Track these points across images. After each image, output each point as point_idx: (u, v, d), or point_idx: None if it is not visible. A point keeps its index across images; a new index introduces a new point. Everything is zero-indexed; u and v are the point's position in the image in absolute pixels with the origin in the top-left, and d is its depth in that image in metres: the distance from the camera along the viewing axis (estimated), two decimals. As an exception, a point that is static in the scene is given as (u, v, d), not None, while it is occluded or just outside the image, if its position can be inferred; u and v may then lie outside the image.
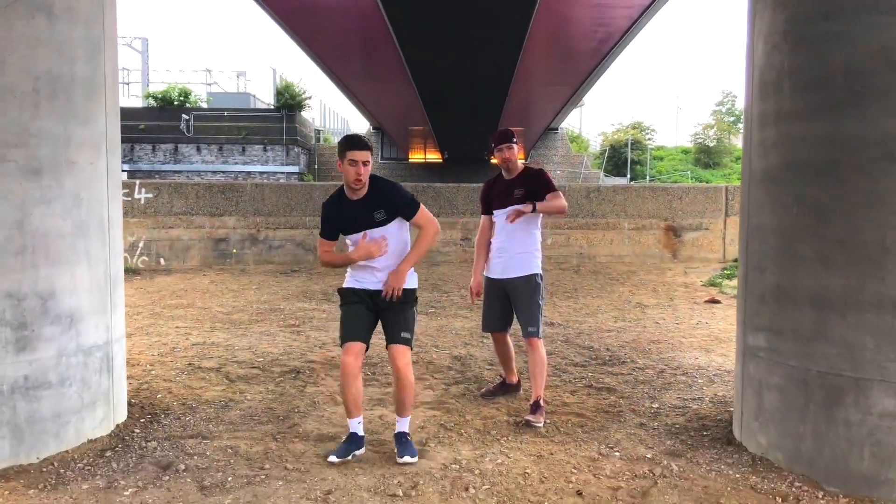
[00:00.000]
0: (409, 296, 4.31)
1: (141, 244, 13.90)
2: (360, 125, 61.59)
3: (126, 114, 31.95)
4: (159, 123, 40.92)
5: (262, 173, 41.74)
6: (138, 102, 45.28)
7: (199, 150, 42.23)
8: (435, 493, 3.74)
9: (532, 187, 5.03)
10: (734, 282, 10.49)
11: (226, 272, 13.45)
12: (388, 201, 4.23)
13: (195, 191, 14.45)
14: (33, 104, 3.97)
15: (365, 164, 4.12)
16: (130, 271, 12.65)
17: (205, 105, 46.67)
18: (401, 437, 4.27)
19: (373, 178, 4.24)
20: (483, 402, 5.31)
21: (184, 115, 41.17)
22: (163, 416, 4.91)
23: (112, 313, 4.59)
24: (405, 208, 4.27)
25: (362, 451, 4.25)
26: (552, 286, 11.50)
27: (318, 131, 50.17)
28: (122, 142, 4.55)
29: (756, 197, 4.37)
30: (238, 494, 3.68)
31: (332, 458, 4.08)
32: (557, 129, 46.74)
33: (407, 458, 4.11)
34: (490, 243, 5.26)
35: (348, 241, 4.35)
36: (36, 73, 3.97)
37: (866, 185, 3.71)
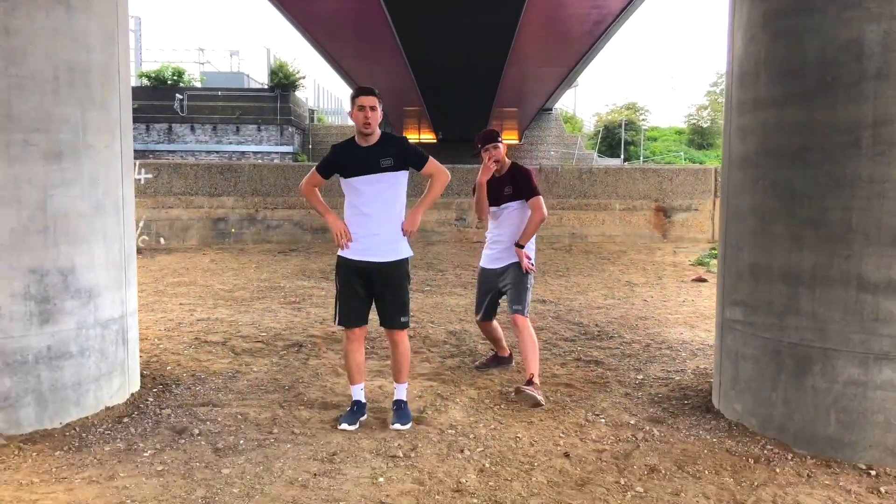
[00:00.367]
0: (403, 267, 4.52)
1: (141, 224, 14.13)
2: (354, 105, 61.32)
3: (121, 93, 31.85)
4: (153, 103, 40.87)
5: (256, 153, 41.77)
6: (132, 82, 45.15)
7: (192, 129, 42.20)
8: (433, 455, 4.03)
9: (519, 186, 5.24)
10: (721, 261, 10.79)
11: (225, 251, 13.71)
12: (398, 151, 4.43)
13: (194, 171, 14.66)
14: (54, 91, 4.20)
15: (372, 108, 4.34)
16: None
17: (198, 84, 46.62)
18: (398, 405, 4.56)
19: (385, 133, 4.48)
20: (477, 374, 5.60)
21: (177, 95, 41.11)
22: (174, 386, 5.18)
23: (126, 288, 4.86)
24: (416, 159, 4.49)
25: (364, 416, 4.54)
26: (544, 265, 11.79)
27: (312, 111, 50.14)
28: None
29: (735, 180, 4.65)
30: (250, 456, 3.97)
31: (344, 426, 4.37)
32: (551, 110, 46.81)
33: (397, 426, 4.40)
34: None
35: (347, 189, 4.48)
36: (56, 62, 4.20)
37: (833, 169, 3.99)
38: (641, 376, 5.59)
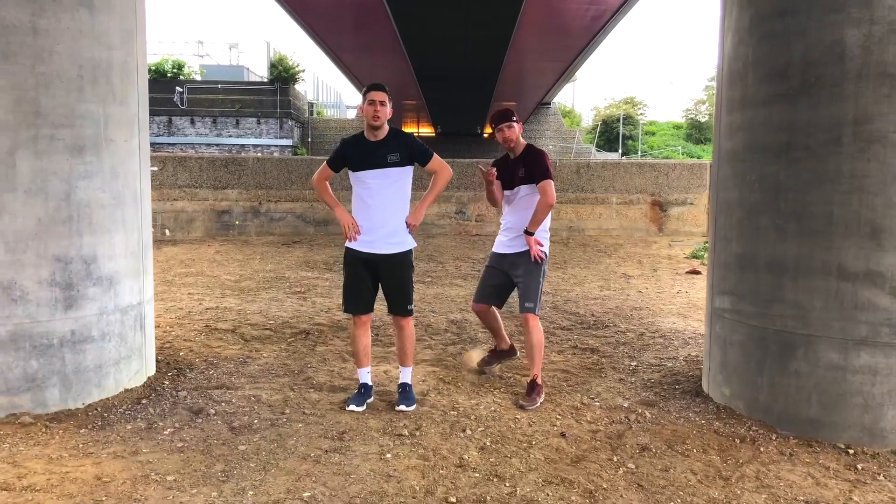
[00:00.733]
0: (408, 258, 4.76)
1: (145, 216, 14.35)
2: (353, 99, 61.66)
3: (122, 86, 31.97)
4: (153, 95, 40.78)
5: (255, 146, 41.93)
6: (134, 75, 45.16)
7: (192, 122, 42.36)
8: (436, 434, 4.27)
9: (531, 168, 5.00)
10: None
11: (229, 243, 13.94)
12: (405, 147, 4.66)
13: (199, 164, 14.88)
14: (78, 88, 4.42)
15: (381, 104, 4.56)
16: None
17: (198, 77, 46.72)
18: (403, 388, 4.80)
19: (394, 129, 4.70)
20: (478, 360, 5.83)
21: (177, 88, 41.24)
22: (188, 370, 5.42)
23: (143, 277, 5.09)
24: (421, 155, 4.73)
25: (371, 398, 4.78)
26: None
27: (311, 104, 50.28)
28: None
29: (724, 175, 4.88)
30: (264, 434, 4.21)
31: (353, 407, 4.60)
32: (550, 104, 47.02)
33: (402, 407, 4.64)
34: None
35: (356, 182, 4.68)
36: (80, 61, 4.42)
37: (815, 165, 4.22)
38: (635, 363, 5.83)
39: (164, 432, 4.22)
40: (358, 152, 4.67)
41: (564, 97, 71.86)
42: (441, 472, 3.76)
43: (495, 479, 3.68)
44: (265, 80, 44.49)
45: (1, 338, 4.30)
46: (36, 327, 4.38)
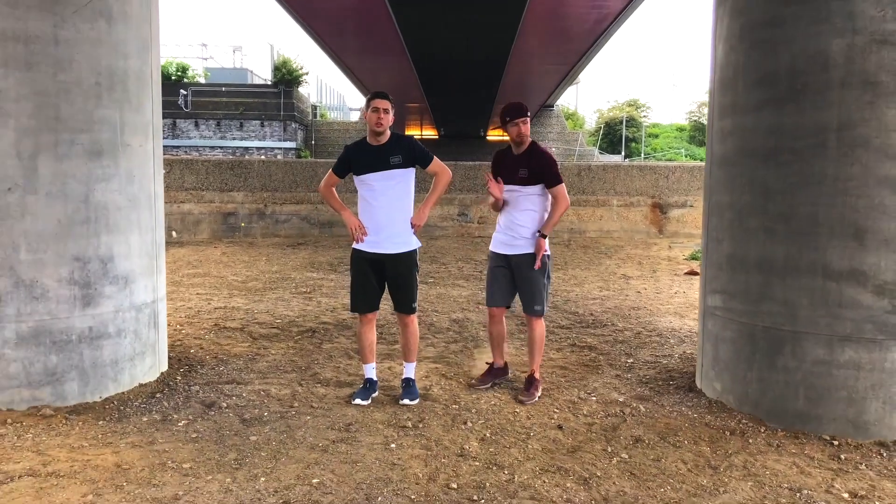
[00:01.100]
0: (412, 258, 4.95)
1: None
2: (356, 101, 61.90)
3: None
4: (158, 98, 41.22)
5: (259, 149, 42.17)
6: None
7: (197, 125, 42.64)
8: (439, 426, 4.46)
9: (537, 170, 5.04)
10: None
11: (235, 245, 14.16)
12: (407, 150, 4.86)
13: (205, 167, 15.11)
14: (96, 95, 4.63)
15: (385, 111, 4.76)
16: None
17: (202, 80, 47.00)
18: (407, 382, 4.99)
19: (395, 133, 4.89)
20: (478, 358, 6.02)
21: (182, 91, 41.52)
22: (199, 366, 5.62)
23: (157, 276, 5.29)
24: (422, 157, 4.93)
25: (376, 393, 4.98)
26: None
27: (314, 107, 50.55)
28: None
29: (716, 178, 5.07)
30: (274, 426, 4.40)
31: (358, 401, 4.80)
32: (553, 107, 47.26)
33: (406, 401, 4.84)
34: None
35: (360, 185, 4.87)
36: (98, 69, 4.63)
37: (802, 168, 4.41)
38: (631, 360, 6.02)
39: (179, 424, 4.42)
40: (361, 157, 4.87)
41: (567, 100, 72.03)
42: (443, 460, 3.95)
43: (494, 468, 3.87)
44: (269, 82, 44.80)
45: (23, 334, 4.50)
46: (56, 324, 4.58)
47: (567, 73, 31.99)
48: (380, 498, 3.50)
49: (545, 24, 21.31)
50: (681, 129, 66.03)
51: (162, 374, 5.35)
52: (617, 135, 58.47)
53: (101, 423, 4.42)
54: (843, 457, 4.10)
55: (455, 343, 6.55)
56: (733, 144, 4.84)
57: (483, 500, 3.50)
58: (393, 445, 4.14)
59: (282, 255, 12.67)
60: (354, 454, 4.00)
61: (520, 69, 28.03)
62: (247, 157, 38.85)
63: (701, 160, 48.62)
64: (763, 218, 4.62)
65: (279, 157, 40.54)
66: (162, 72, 40.75)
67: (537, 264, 5.06)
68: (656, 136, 64.05)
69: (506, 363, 5.48)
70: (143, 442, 4.12)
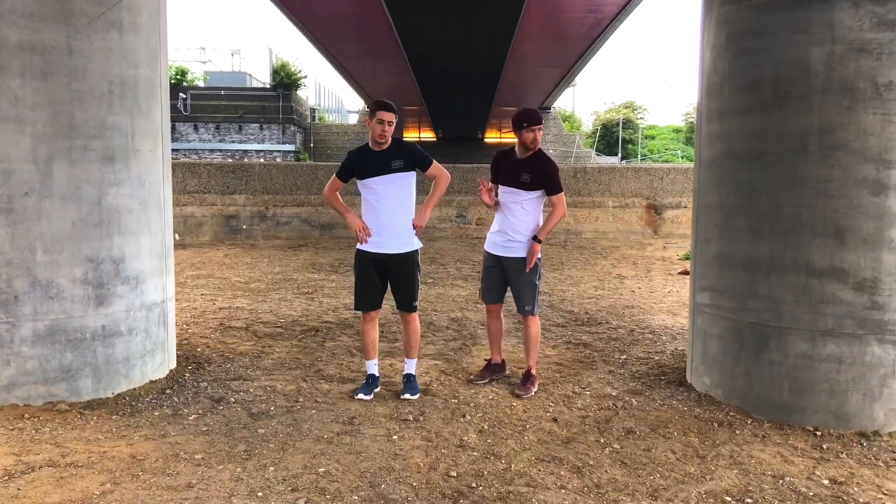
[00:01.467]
0: (414, 258, 5.15)
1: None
2: (355, 104, 62.11)
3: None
4: (157, 102, 41.32)
5: (258, 152, 42.33)
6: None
7: (196, 128, 42.82)
8: (439, 419, 4.65)
9: (540, 177, 5.19)
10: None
11: (237, 247, 14.35)
12: (408, 154, 5.05)
13: (207, 170, 15.31)
14: (108, 103, 4.82)
15: (389, 123, 4.95)
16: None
17: (201, 84, 47.18)
18: (408, 378, 5.19)
19: (396, 139, 5.08)
20: (476, 355, 6.22)
21: (181, 94, 41.69)
22: (206, 364, 5.80)
23: (166, 276, 5.48)
24: (422, 161, 5.12)
25: (378, 388, 5.17)
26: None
27: (313, 110, 50.74)
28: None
29: (704, 180, 5.27)
30: (281, 419, 4.59)
31: (361, 396, 4.99)
32: (550, 109, 47.47)
33: (407, 395, 5.03)
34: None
35: (364, 189, 5.06)
36: (110, 78, 4.82)
37: (786, 171, 4.61)
38: (624, 356, 6.22)
39: (189, 418, 4.61)
40: (364, 162, 5.06)
41: (564, 102, 72.36)
42: (443, 451, 4.14)
43: (492, 458, 4.07)
44: (267, 86, 44.98)
45: (39, 332, 4.69)
46: (70, 322, 4.77)
47: (564, 76, 32.24)
48: (383, 485, 3.69)
49: (542, 28, 21.55)
50: (677, 131, 66.30)
51: (171, 371, 5.53)
52: (614, 136, 58.73)
53: (114, 417, 4.61)
54: (825, 446, 4.30)
55: (454, 341, 6.74)
56: (720, 148, 5.04)
57: (481, 487, 3.69)
58: (395, 437, 4.33)
59: (283, 257, 12.87)
60: (358, 445, 4.19)
61: (517, 72, 28.26)
62: (246, 160, 39.06)
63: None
64: (749, 218, 4.82)
65: (278, 159, 40.72)
66: (161, 75, 40.94)
67: (528, 268, 5.25)
68: (653, 138, 64.32)
69: (503, 360, 5.65)
70: (156, 435, 4.31)
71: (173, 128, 42.38)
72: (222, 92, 43.48)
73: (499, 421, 4.65)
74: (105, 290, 4.91)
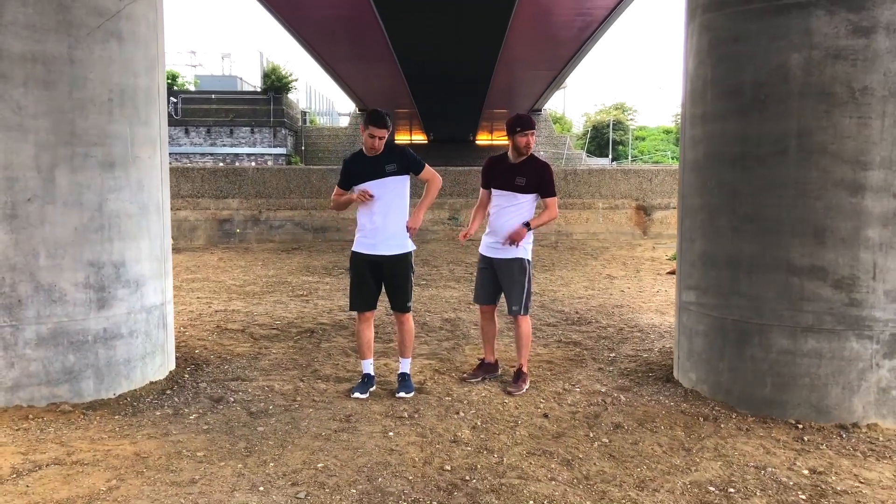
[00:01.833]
0: (408, 259, 5.29)
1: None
2: (345, 107, 62.22)
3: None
4: (148, 106, 41.27)
5: (249, 155, 42.38)
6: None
7: (187, 132, 42.88)
8: (433, 416, 4.79)
9: (535, 180, 5.35)
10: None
11: (231, 250, 14.46)
12: (401, 158, 5.21)
13: (201, 175, 15.41)
14: (108, 111, 4.94)
15: (381, 138, 5.11)
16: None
17: (192, 88, 47.23)
18: (402, 377, 5.33)
19: (389, 143, 5.21)
20: (469, 354, 6.36)
21: (172, 98, 41.71)
22: (204, 365, 5.93)
23: (165, 279, 5.60)
24: (415, 165, 5.27)
25: (374, 387, 5.31)
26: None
27: (304, 113, 50.86)
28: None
29: (688, 182, 5.43)
30: (279, 417, 4.73)
31: (357, 395, 5.13)
32: (541, 111, 47.70)
33: (402, 394, 5.17)
34: (486, 212, 5.63)
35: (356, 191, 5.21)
36: (110, 86, 4.94)
37: (766, 173, 4.76)
38: (614, 354, 6.37)
39: (190, 417, 4.73)
40: (359, 167, 5.21)
41: (555, 104, 72.63)
42: (437, 446, 4.28)
43: (485, 452, 4.21)
44: (258, 89, 45.08)
45: (42, 335, 4.81)
46: (73, 325, 4.89)
47: (554, 78, 32.43)
48: (380, 479, 3.83)
49: (531, 31, 21.73)
50: (667, 132, 66.62)
51: (171, 372, 5.65)
52: (604, 138, 58.99)
53: (117, 417, 4.73)
54: (806, 438, 4.46)
55: (447, 341, 6.88)
56: (704, 151, 5.20)
57: (474, 480, 3.83)
58: (391, 434, 4.47)
59: (277, 260, 12.99)
60: (355, 442, 4.33)
61: (507, 75, 28.44)
62: (237, 163, 39.10)
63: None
64: (731, 219, 4.98)
65: (269, 163, 40.80)
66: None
67: (504, 242, 5.35)
68: (643, 139, 64.61)
69: (496, 359, 5.79)
70: (158, 433, 4.43)
71: (164, 132, 42.37)
72: (213, 96, 43.56)
73: (491, 417, 4.79)
74: (106, 294, 5.03)
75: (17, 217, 4.68)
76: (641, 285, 10.19)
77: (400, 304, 5.28)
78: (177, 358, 5.99)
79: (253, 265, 12.31)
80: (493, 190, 5.53)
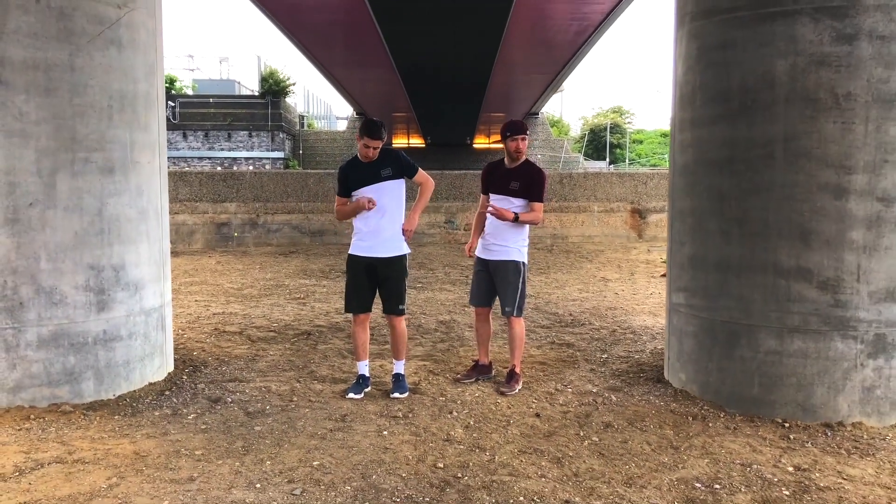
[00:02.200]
0: (403, 262, 5.38)
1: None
2: (343, 110, 62.34)
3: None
4: (145, 110, 41.33)
5: (247, 159, 42.45)
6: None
7: (185, 136, 42.92)
8: (427, 416, 4.88)
9: (528, 184, 5.45)
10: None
11: (229, 254, 14.56)
12: (395, 162, 5.32)
13: (199, 179, 15.51)
14: (108, 117, 5.04)
15: (375, 149, 5.21)
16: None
17: (190, 91, 47.31)
18: (397, 378, 5.42)
19: (383, 148, 5.30)
20: (464, 356, 6.45)
21: (169, 102, 41.74)
22: (202, 367, 6.02)
23: (163, 282, 5.70)
24: (409, 169, 5.39)
25: (368, 388, 5.40)
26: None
27: (302, 117, 50.92)
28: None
29: (678, 186, 5.53)
30: (276, 417, 4.82)
31: (352, 395, 5.22)
32: (538, 114, 47.84)
33: (396, 395, 5.26)
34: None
35: (357, 197, 5.29)
36: (110, 93, 5.03)
37: (753, 176, 4.87)
38: (606, 355, 6.47)
39: (188, 417, 4.82)
40: (356, 173, 5.31)
41: (552, 107, 72.78)
42: (431, 445, 4.37)
43: (477, 450, 4.30)
44: (256, 93, 45.16)
45: (44, 337, 4.89)
46: (73, 327, 4.98)
47: (551, 82, 32.55)
48: (374, 476, 3.92)
49: (528, 35, 21.84)
50: (665, 135, 66.71)
51: (169, 373, 5.74)
52: (601, 141, 59.14)
53: (116, 417, 4.82)
54: (792, 437, 4.55)
55: (442, 342, 6.98)
56: (692, 155, 5.30)
57: (466, 477, 3.92)
58: (385, 433, 4.56)
59: (275, 263, 13.08)
60: (350, 440, 4.42)
61: (504, 78, 28.54)
62: (235, 167, 39.19)
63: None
64: (719, 222, 5.08)
65: (267, 167, 40.90)
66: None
67: (491, 210, 5.41)
68: (641, 142, 64.78)
69: (490, 361, 5.88)
70: (157, 433, 4.52)
71: (162, 136, 42.42)
72: (211, 100, 43.62)
73: (484, 417, 4.88)
74: (106, 297, 5.12)
75: (19, 221, 4.77)
76: (635, 288, 10.29)
77: (392, 307, 5.37)
78: (175, 360, 6.08)
79: (251, 268, 12.40)
80: (490, 195, 5.63)
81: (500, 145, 5.72)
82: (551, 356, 6.44)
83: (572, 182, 16.51)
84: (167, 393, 5.34)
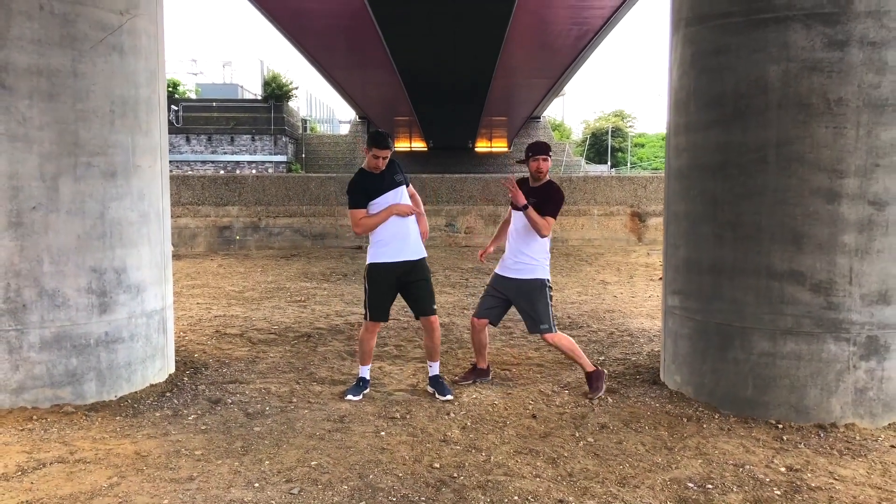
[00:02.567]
0: (427, 264, 5.47)
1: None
2: (346, 114, 62.48)
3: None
4: (148, 114, 41.48)
5: (250, 163, 42.56)
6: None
7: (188, 140, 43.06)
8: (425, 417, 4.94)
9: (544, 201, 5.41)
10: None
11: (231, 257, 14.63)
12: (400, 170, 5.44)
13: (201, 182, 15.61)
14: (110, 122, 5.11)
15: (384, 158, 5.29)
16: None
17: (193, 96, 47.46)
18: (436, 380, 5.48)
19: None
20: (462, 358, 6.51)
21: (173, 106, 41.92)
22: (203, 369, 6.08)
23: (165, 285, 5.76)
24: (405, 178, 5.49)
25: (368, 390, 5.46)
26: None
27: (304, 121, 51.07)
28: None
29: (673, 190, 5.59)
30: (275, 418, 4.88)
31: (350, 397, 5.28)
32: (539, 118, 47.87)
33: (449, 396, 5.31)
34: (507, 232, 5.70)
35: (376, 207, 5.29)
36: (112, 98, 5.11)
37: (746, 181, 4.93)
38: (603, 357, 6.52)
39: (189, 418, 4.88)
40: (375, 183, 5.32)
41: (554, 111, 72.88)
42: (427, 445, 4.43)
43: (473, 451, 4.36)
44: (259, 97, 45.31)
45: (46, 339, 4.96)
46: (75, 329, 5.05)
47: (552, 86, 32.59)
48: (371, 476, 3.98)
49: (529, 39, 21.90)
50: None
51: (170, 375, 5.81)
52: (603, 145, 59.20)
53: (118, 418, 4.88)
54: (785, 438, 4.61)
55: (441, 345, 7.00)
56: (687, 160, 5.36)
57: (462, 477, 3.98)
58: (382, 433, 4.62)
59: (276, 266, 13.16)
60: (348, 441, 4.48)
61: (505, 82, 28.60)
62: (238, 171, 39.31)
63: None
64: (713, 225, 5.13)
65: (270, 170, 41.01)
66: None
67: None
68: (642, 146, 64.81)
69: (488, 365, 5.93)
70: (158, 433, 4.59)
71: (165, 140, 42.53)
72: (214, 104, 43.76)
73: (481, 418, 4.94)
74: (108, 299, 5.19)
75: (23, 225, 4.84)
76: (634, 290, 10.34)
77: (427, 307, 5.40)
78: (176, 361, 6.15)
79: (252, 271, 12.47)
80: (512, 210, 5.61)
81: (502, 149, 5.79)
82: (549, 358, 6.50)
83: (572, 186, 16.57)
84: (168, 394, 5.40)
